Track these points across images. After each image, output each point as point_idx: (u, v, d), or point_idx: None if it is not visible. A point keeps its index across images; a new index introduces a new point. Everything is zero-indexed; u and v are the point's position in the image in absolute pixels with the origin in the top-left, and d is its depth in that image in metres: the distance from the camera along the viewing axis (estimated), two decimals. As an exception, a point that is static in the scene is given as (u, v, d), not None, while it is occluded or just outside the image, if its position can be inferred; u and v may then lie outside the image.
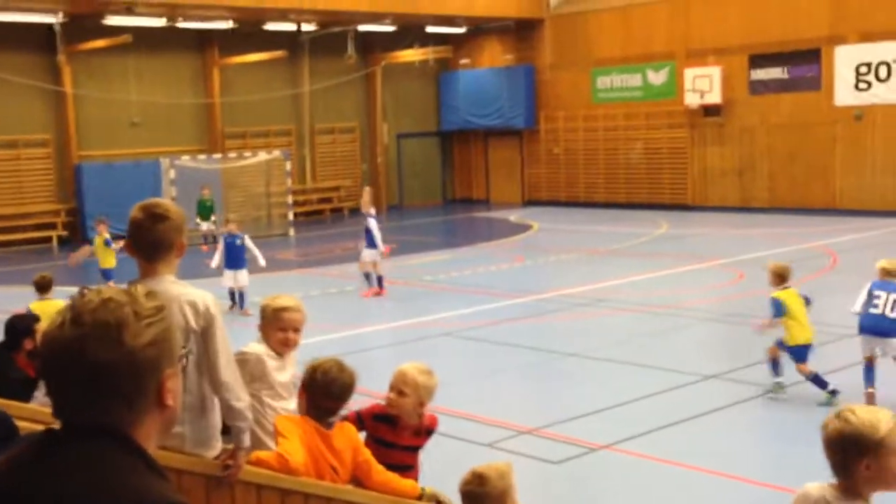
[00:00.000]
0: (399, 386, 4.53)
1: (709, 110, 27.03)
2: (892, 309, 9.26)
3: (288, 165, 26.73)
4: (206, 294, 3.81)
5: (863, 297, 9.63)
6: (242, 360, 4.20)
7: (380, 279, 16.01)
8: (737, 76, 26.47)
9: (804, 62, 25.24)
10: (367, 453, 4.35)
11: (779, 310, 9.77)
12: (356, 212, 30.41)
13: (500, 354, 12.07)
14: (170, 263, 3.78)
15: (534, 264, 19.01)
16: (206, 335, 3.69)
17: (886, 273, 9.63)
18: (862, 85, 24.33)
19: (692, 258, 18.92)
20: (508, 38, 31.39)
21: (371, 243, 15.94)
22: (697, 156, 27.71)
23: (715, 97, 26.55)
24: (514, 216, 28.29)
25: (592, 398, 9.90)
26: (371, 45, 30.37)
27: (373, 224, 15.97)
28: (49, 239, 25.22)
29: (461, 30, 30.91)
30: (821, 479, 3.24)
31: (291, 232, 26.00)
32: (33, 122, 25.27)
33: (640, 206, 28.17)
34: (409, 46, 29.85)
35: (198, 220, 23.60)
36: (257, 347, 4.46)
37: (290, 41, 28.32)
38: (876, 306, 9.39)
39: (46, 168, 25.68)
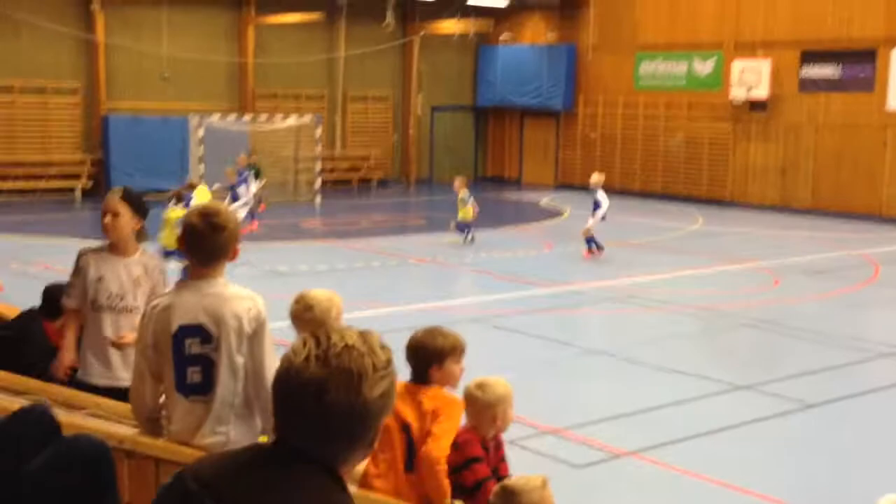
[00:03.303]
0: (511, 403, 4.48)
1: (755, 105, 26.22)
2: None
3: (318, 131, 26.23)
4: (256, 297, 3.82)
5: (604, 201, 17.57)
6: None
7: None
8: (786, 71, 25.62)
9: (858, 62, 24.36)
10: (441, 427, 4.18)
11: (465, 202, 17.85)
12: (384, 183, 30.09)
13: (524, 346, 11.76)
14: (222, 270, 3.82)
15: (563, 252, 18.49)
16: (254, 339, 3.69)
17: (597, 184, 17.76)
18: (917, 89, 23.43)
19: (727, 258, 18.34)
20: (552, 16, 30.66)
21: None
22: (740, 150, 26.94)
23: (762, 92, 25.73)
24: (544, 200, 27.71)
25: (619, 401, 9.57)
26: (411, 13, 29.76)
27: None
28: (72, 189, 24.91)
29: (504, 3, 30.18)
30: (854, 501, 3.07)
31: (318, 199, 25.53)
32: (63, 70, 24.90)
33: (677, 197, 27.48)
34: (450, 17, 29.18)
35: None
36: None
37: (328, 3, 27.73)
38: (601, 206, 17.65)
39: (74, 117, 25.34)
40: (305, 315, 4.35)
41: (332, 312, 4.40)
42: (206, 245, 3.73)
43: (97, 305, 5.15)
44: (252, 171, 21.83)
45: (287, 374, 1.93)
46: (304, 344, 1.96)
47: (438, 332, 4.43)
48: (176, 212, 14.42)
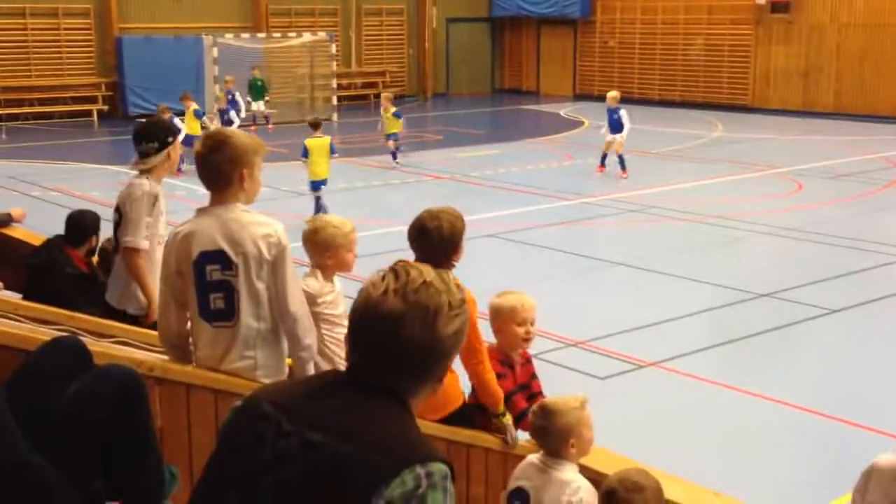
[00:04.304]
0: (532, 315, 4.35)
1: (776, 6, 25.65)
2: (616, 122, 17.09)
3: (333, 48, 25.94)
4: (277, 223, 3.73)
5: (628, 123, 17.00)
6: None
7: None
8: (809, -29, 25.03)
9: (884, -42, 23.73)
10: (480, 338, 4.12)
11: (304, 153, 13.49)
12: (401, 98, 29.81)
13: (546, 260, 11.78)
14: (236, 195, 3.69)
15: (583, 164, 18.37)
16: (276, 266, 3.63)
17: (615, 100, 17.11)
18: (944, -15, 22.83)
19: (748, 165, 18.17)
20: (568, -79, 29.92)
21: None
22: (761, 54, 26.46)
23: (784, -8, 25.18)
24: (564, 111, 27.44)
25: (641, 312, 9.60)
26: (424, -78, 29.11)
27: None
28: (89, 112, 24.86)
29: None
30: (877, 407, 2.96)
31: (335, 117, 25.38)
32: (74, -9, 24.66)
33: (696, 105, 27.12)
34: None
35: (248, 99, 23.06)
36: (315, 285, 4.32)
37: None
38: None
39: (87, 39, 25.15)
40: (312, 237, 4.35)
41: (339, 239, 4.35)
42: (208, 167, 3.68)
43: (160, 238, 5.16)
44: (254, 87, 21.88)
45: (365, 306, 1.96)
46: (383, 278, 1.98)
47: (445, 212, 4.16)
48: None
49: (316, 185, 13.43)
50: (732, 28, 26.88)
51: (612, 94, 17.46)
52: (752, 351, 8.60)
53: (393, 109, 18.10)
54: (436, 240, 4.06)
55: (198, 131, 17.01)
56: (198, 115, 17.56)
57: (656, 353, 8.38)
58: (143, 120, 5.78)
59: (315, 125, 13.92)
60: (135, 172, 5.29)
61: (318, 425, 1.91)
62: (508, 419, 4.18)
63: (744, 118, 25.31)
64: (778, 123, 24.08)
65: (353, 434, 1.88)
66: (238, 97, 20.68)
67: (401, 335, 1.92)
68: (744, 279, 10.72)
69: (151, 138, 5.20)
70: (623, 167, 16.94)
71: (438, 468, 1.88)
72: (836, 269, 11.12)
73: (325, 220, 4.41)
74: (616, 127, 17.02)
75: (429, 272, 2.00)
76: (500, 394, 4.18)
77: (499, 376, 4.29)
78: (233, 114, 19.41)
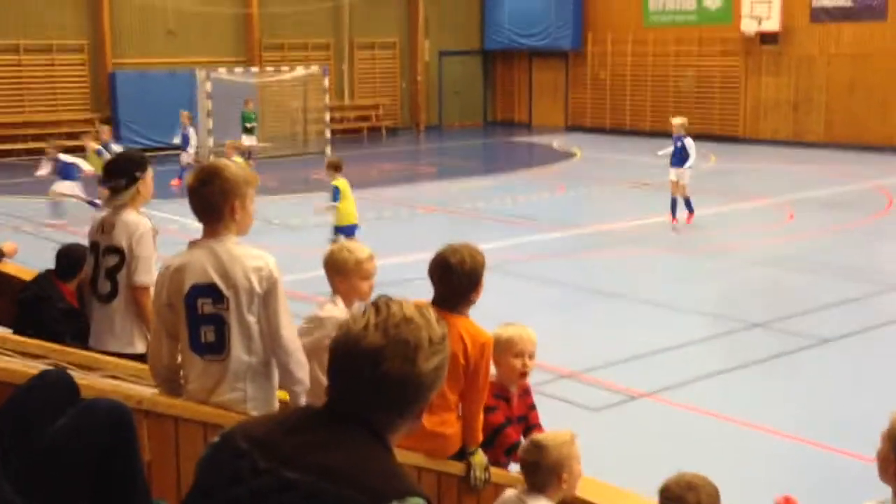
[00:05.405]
0: (530, 348, 4.40)
1: (766, 38, 25.88)
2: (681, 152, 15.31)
3: (326, 81, 26.08)
4: (268, 257, 3.71)
5: (670, 148, 15.55)
6: (320, 325, 4.17)
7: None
8: (798, 2, 25.22)
9: (871, -10, 23.97)
10: (486, 379, 4.05)
11: (336, 196, 12.01)
12: (394, 131, 29.95)
13: (539, 291, 11.77)
14: (228, 227, 3.67)
15: (576, 195, 18.44)
16: (267, 299, 3.63)
17: (683, 126, 15.50)
18: (931, 16, 23.06)
19: (741, 195, 18.24)
20: (559, -46, 30.22)
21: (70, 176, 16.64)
22: (751, 86, 26.64)
23: (773, 24, 25.37)
24: (556, 142, 27.56)
25: (635, 343, 9.58)
26: (415, -43, 29.39)
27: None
28: (83, 148, 24.85)
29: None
30: (871, 436, 2.92)
31: (328, 150, 25.45)
32: (68, 27, 24.78)
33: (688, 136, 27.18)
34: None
35: (243, 133, 23.06)
36: (335, 310, 4.26)
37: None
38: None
39: (81, 75, 25.25)
40: (327, 260, 4.36)
41: (349, 265, 4.33)
42: (199, 199, 3.67)
43: None
44: (246, 120, 21.85)
45: (346, 340, 1.96)
46: (364, 312, 1.99)
47: (466, 246, 4.10)
48: None
49: (352, 230, 12.25)
50: (722, 60, 27.08)
51: (678, 120, 15.72)
52: (746, 381, 8.58)
53: (95, 147, 17.00)
54: (459, 274, 4.02)
55: (100, 168, 16.45)
56: (99, 153, 16.83)
57: (650, 383, 8.36)
58: (116, 156, 5.74)
59: (338, 167, 12.49)
60: (107, 210, 5.14)
61: (294, 462, 1.90)
62: (478, 458, 4.08)
63: (736, 149, 25.43)
64: (769, 153, 24.21)
65: (329, 470, 1.88)
66: (191, 133, 20.31)
67: (381, 369, 1.92)
68: (737, 309, 10.75)
69: (121, 174, 5.07)
70: (690, 209, 15.23)
71: (415, 502, 1.87)
72: (829, 298, 11.14)
73: (341, 245, 4.45)
74: (680, 157, 15.22)
75: (409, 307, 2.00)
76: (480, 437, 4.12)
77: (490, 409, 4.26)
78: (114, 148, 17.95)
